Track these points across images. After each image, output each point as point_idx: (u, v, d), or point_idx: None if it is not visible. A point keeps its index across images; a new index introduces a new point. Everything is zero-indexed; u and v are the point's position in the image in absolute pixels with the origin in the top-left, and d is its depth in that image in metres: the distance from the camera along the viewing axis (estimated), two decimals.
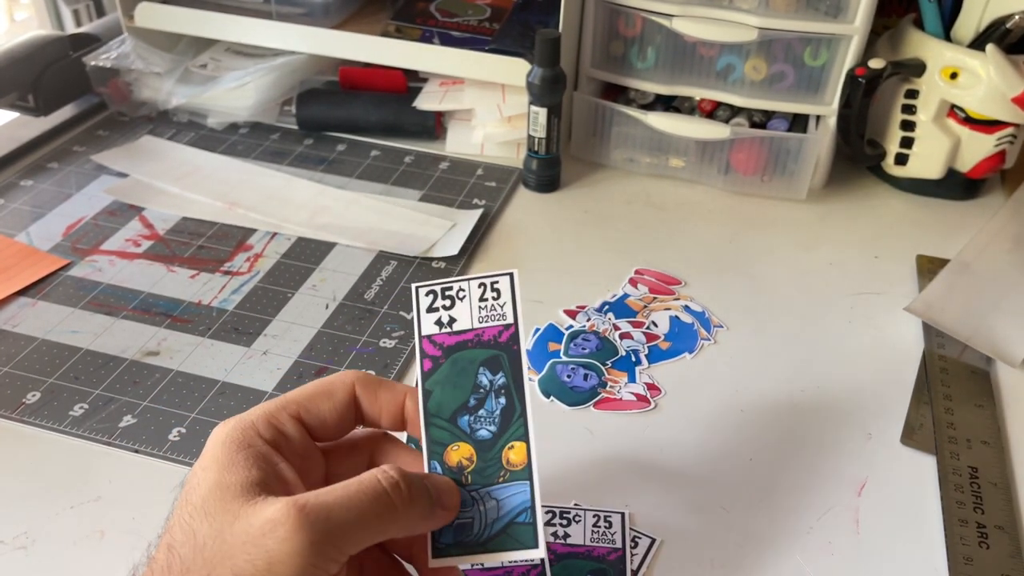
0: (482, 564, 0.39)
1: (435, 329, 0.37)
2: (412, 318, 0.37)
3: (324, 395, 0.36)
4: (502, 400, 0.36)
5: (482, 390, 0.36)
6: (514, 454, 0.35)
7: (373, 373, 0.38)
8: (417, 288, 0.37)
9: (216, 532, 0.30)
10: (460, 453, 0.36)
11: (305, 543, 0.29)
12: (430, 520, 0.34)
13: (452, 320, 0.37)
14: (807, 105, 0.69)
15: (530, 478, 0.35)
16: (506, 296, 0.37)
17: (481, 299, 0.37)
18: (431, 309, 0.37)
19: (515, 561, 0.35)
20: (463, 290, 0.37)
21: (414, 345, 0.37)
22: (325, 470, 0.37)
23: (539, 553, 0.34)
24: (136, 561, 0.34)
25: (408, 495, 0.33)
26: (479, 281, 0.37)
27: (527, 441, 0.35)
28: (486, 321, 0.37)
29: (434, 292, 0.37)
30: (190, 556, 0.30)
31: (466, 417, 0.36)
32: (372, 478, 0.33)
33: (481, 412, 0.36)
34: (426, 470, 0.36)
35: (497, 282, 0.37)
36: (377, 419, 0.37)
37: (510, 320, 0.36)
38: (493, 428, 0.36)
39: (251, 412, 0.35)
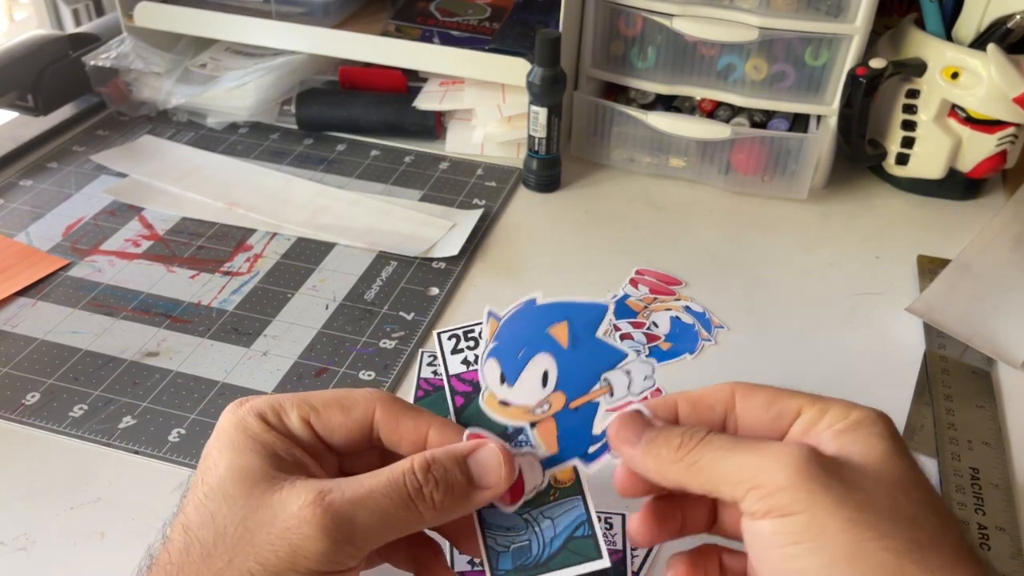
0: None
1: (462, 368, 0.38)
2: (439, 361, 0.38)
3: (340, 408, 0.35)
4: None
5: None
6: (561, 473, 0.35)
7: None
8: (439, 334, 0.39)
9: (239, 518, 0.31)
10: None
11: (328, 545, 0.30)
12: (467, 506, 0.34)
13: (477, 358, 0.38)
14: (808, 105, 0.69)
15: (581, 492, 0.35)
16: None
17: None
18: (456, 351, 0.38)
19: (583, 575, 0.34)
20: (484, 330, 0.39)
21: (442, 380, 0.38)
22: (338, 466, 0.36)
23: (604, 563, 0.34)
24: (151, 541, 0.33)
25: (432, 498, 0.32)
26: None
27: None
28: None
29: (456, 335, 0.38)
30: (210, 540, 0.31)
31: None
32: (399, 480, 0.32)
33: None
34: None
35: None
36: (396, 447, 0.36)
37: None
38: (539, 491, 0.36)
39: (262, 400, 0.35)
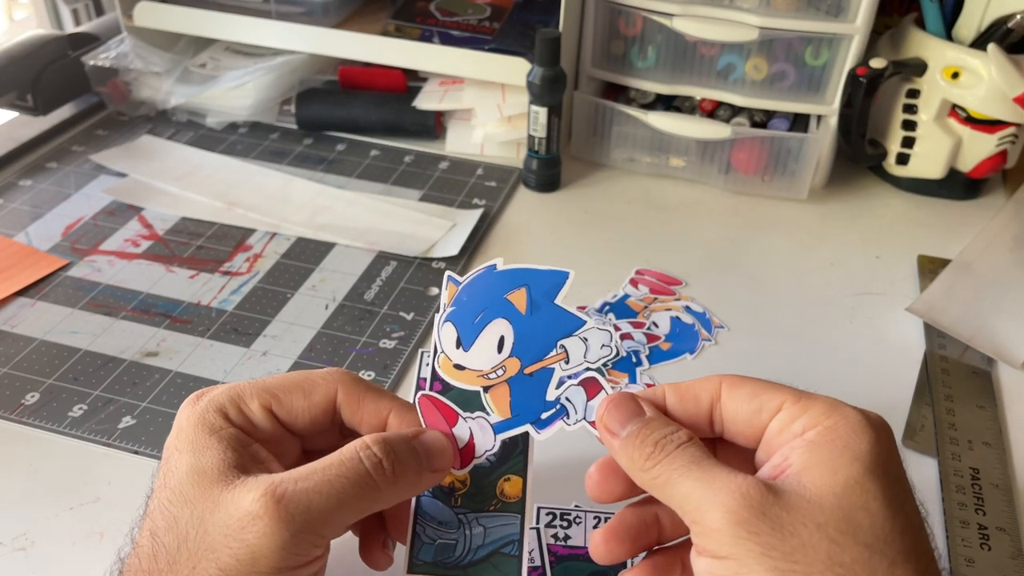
0: None
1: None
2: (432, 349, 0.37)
3: (301, 392, 0.35)
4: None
5: None
6: (509, 486, 0.35)
7: (368, 377, 0.37)
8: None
9: (198, 520, 0.30)
10: (454, 475, 0.35)
11: (286, 537, 0.29)
12: (418, 487, 0.34)
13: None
14: (808, 105, 0.69)
15: (521, 512, 0.35)
16: None
17: None
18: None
19: None
20: None
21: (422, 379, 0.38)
22: (300, 447, 0.36)
23: None
24: (120, 544, 0.33)
25: (392, 472, 0.32)
26: None
27: (524, 477, 0.35)
28: None
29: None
30: (174, 546, 0.30)
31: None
32: (353, 457, 0.32)
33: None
34: None
35: None
36: (358, 427, 0.36)
37: None
38: (492, 459, 0.35)
39: (221, 392, 0.34)
